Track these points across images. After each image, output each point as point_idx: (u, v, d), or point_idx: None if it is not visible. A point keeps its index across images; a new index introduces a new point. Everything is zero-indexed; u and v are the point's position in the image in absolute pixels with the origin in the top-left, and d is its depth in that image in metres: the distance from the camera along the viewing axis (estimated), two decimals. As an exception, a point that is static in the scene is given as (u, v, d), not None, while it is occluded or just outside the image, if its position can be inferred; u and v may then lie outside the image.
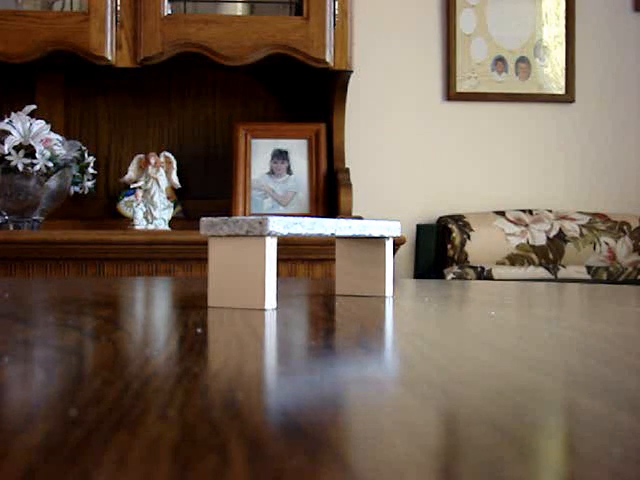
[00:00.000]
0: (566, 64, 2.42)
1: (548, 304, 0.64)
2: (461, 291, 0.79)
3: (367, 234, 0.66)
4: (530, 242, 2.27)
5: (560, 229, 2.30)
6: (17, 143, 1.73)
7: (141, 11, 1.84)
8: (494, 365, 0.31)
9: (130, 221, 1.89)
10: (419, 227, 2.34)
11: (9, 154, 1.72)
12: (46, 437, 0.19)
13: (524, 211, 2.33)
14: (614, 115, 2.45)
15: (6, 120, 1.75)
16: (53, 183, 1.79)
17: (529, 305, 0.63)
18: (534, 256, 2.27)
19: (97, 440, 0.19)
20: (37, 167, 1.73)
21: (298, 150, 2.04)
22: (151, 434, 0.20)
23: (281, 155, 2.03)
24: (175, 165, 1.93)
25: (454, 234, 2.24)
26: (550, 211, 2.34)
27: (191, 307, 0.57)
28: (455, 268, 2.16)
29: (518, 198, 2.42)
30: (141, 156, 1.94)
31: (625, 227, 2.33)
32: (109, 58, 1.84)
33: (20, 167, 1.72)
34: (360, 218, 1.95)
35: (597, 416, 0.22)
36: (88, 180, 1.95)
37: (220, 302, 0.57)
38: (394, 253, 1.82)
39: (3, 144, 1.72)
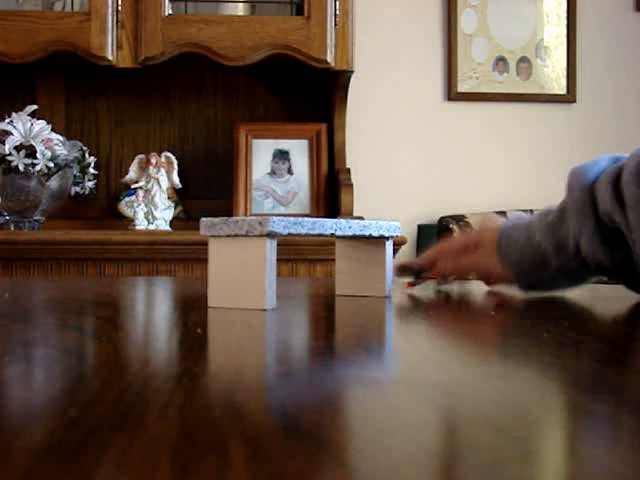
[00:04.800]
0: (567, 64, 2.41)
1: (548, 304, 0.64)
2: (461, 291, 0.79)
3: (367, 234, 0.66)
4: (531, 242, 2.27)
5: (561, 229, 2.29)
6: (18, 143, 1.73)
7: (142, 11, 1.84)
8: (494, 365, 0.31)
9: (131, 221, 1.89)
10: (420, 227, 2.34)
11: (10, 154, 1.72)
12: (46, 437, 0.19)
13: (525, 211, 2.33)
14: (615, 115, 2.45)
15: (7, 120, 1.75)
16: (54, 183, 1.79)
17: (529, 305, 0.63)
18: (535, 256, 2.27)
19: (97, 440, 0.19)
20: (38, 167, 1.73)
21: (299, 150, 2.04)
22: (151, 434, 0.20)
23: (282, 155, 2.03)
24: (176, 165, 1.93)
25: (455, 234, 2.24)
26: (551, 211, 2.34)
27: (191, 307, 0.57)
28: (456, 268, 2.15)
29: (519, 198, 2.42)
30: (142, 156, 1.94)
31: (626, 227, 2.33)
32: (110, 58, 1.84)
33: (21, 167, 1.72)
34: (361, 218, 1.95)
35: (597, 416, 0.22)
36: (89, 180, 1.95)
37: (220, 302, 0.57)
38: (395, 253, 1.82)
39: (4, 144, 1.72)
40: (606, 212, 0.61)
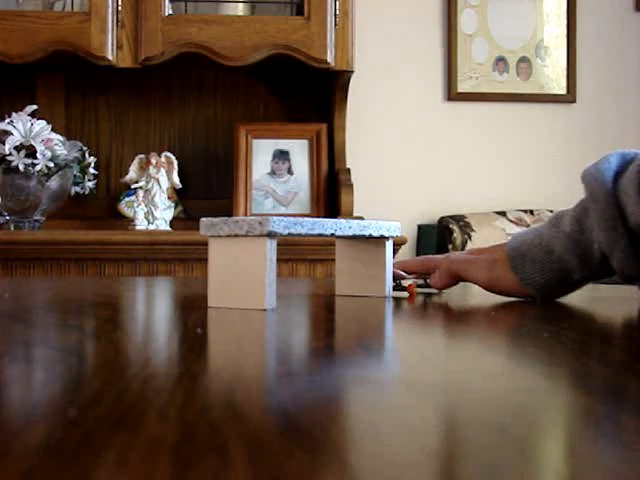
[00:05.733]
0: (567, 64, 2.41)
1: (548, 304, 0.64)
2: (461, 291, 0.79)
3: (367, 234, 0.66)
4: (531, 242, 2.26)
5: (561, 229, 2.28)
6: (18, 143, 1.73)
7: (142, 11, 1.84)
8: (494, 365, 0.31)
9: (131, 221, 1.89)
10: (420, 227, 2.34)
11: (10, 154, 1.72)
12: (46, 437, 0.19)
13: (525, 211, 2.33)
14: (615, 115, 2.45)
15: (7, 120, 1.75)
16: (54, 183, 1.79)
17: (529, 305, 0.63)
18: (535, 256, 2.26)
19: (97, 440, 0.19)
20: (38, 167, 1.73)
21: (299, 150, 2.04)
22: (151, 434, 0.20)
23: (282, 155, 2.03)
24: (176, 165, 1.93)
25: (455, 234, 2.24)
26: (551, 211, 2.34)
27: (191, 307, 0.57)
28: (456, 268, 2.15)
29: (519, 198, 2.42)
30: (142, 156, 1.94)
31: (626, 227, 2.32)
32: (110, 58, 1.84)
33: (21, 167, 1.72)
34: (361, 218, 1.95)
35: (597, 416, 0.22)
36: (89, 180, 1.95)
37: (220, 302, 0.57)
38: (395, 253, 1.82)
39: (4, 144, 1.72)
40: (638, 225, 0.60)
